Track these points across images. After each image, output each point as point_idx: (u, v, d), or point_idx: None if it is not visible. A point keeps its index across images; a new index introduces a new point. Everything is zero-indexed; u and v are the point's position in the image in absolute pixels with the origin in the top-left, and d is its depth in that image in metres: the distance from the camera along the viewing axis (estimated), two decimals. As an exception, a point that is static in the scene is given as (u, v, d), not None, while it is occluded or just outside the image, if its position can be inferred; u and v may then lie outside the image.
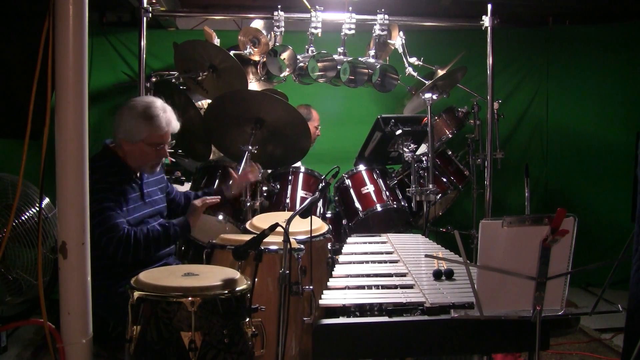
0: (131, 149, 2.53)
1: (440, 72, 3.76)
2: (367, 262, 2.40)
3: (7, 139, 3.65)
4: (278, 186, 3.42)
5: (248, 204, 3.13)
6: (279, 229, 2.06)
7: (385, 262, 2.40)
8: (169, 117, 2.57)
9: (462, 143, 4.14)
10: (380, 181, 3.59)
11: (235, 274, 2.06)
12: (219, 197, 2.89)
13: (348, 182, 3.59)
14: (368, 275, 2.20)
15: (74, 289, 1.99)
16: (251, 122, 3.17)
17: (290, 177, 3.46)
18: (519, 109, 5.08)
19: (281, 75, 3.65)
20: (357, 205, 3.51)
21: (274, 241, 2.35)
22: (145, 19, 3.59)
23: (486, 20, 3.74)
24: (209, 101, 3.60)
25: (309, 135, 3.31)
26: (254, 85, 3.79)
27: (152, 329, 1.87)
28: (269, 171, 3.59)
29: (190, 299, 1.85)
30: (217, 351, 1.87)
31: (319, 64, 3.65)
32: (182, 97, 3.41)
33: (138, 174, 2.62)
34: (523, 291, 1.71)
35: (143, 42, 3.60)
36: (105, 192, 2.35)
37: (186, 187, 3.73)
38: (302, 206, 2.20)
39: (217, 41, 3.68)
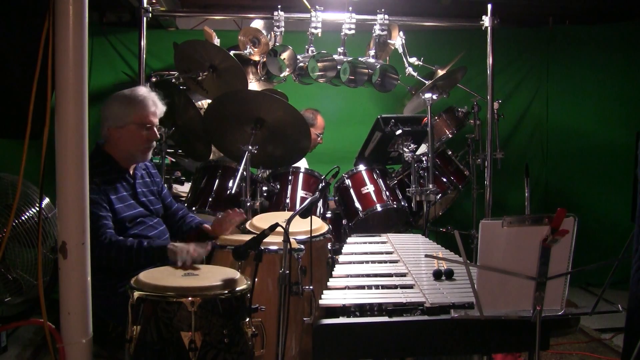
0: (121, 134, 2.52)
1: (440, 72, 3.76)
2: (367, 262, 2.40)
3: (7, 139, 3.65)
4: (278, 186, 3.42)
5: (248, 204, 3.13)
6: (279, 229, 2.06)
7: (385, 262, 2.39)
8: (154, 97, 2.60)
9: (462, 143, 4.14)
10: (380, 181, 3.58)
11: (235, 274, 2.06)
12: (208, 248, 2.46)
13: (348, 182, 3.59)
14: (368, 275, 2.20)
15: (74, 289, 1.99)
16: (251, 122, 3.17)
17: (290, 177, 3.46)
18: (519, 109, 5.09)
19: (281, 75, 3.65)
20: (357, 205, 3.51)
21: (274, 241, 2.35)
22: (145, 19, 3.59)
23: (486, 20, 3.74)
24: (209, 101, 3.60)
25: (309, 135, 3.31)
26: (254, 85, 3.79)
27: (152, 329, 1.87)
28: (269, 171, 3.59)
29: (190, 299, 1.85)
30: (217, 351, 1.87)
31: (319, 64, 3.65)
32: (182, 97, 3.41)
33: (131, 172, 2.62)
34: (523, 291, 1.71)
35: (143, 42, 3.61)
36: (92, 193, 2.34)
37: (186, 187, 3.74)
38: (302, 206, 2.20)
39: (217, 41, 3.68)
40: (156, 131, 2.60)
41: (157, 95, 2.64)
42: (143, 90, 2.60)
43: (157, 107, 2.61)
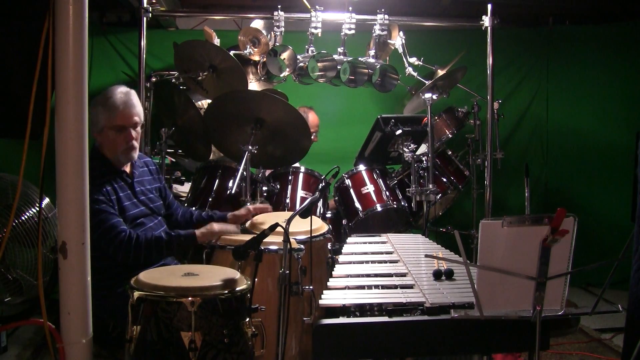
0: (102, 140, 2.52)
1: (440, 72, 3.76)
2: (367, 262, 2.40)
3: (7, 139, 3.65)
4: (278, 186, 3.42)
5: (248, 204, 3.13)
6: (279, 229, 2.06)
7: (385, 262, 2.39)
8: (124, 99, 2.51)
9: (462, 143, 4.14)
10: (380, 181, 3.59)
11: (235, 274, 2.06)
12: (238, 231, 2.68)
13: (348, 182, 3.59)
14: (368, 275, 2.20)
15: (74, 289, 1.99)
16: (251, 122, 3.17)
17: (290, 177, 3.46)
18: (519, 109, 5.09)
19: (281, 75, 3.65)
20: (357, 205, 3.51)
21: (274, 241, 2.35)
22: (145, 19, 3.59)
23: (486, 20, 3.74)
24: (209, 101, 3.60)
25: (309, 135, 3.31)
26: (254, 85, 3.79)
27: (152, 329, 1.87)
28: (268, 171, 3.59)
29: (190, 299, 1.85)
30: (217, 351, 1.87)
31: (319, 64, 3.65)
32: (182, 97, 3.41)
33: (128, 172, 2.61)
34: (523, 291, 1.71)
35: (143, 42, 3.60)
36: (96, 194, 2.35)
37: (186, 187, 3.74)
38: (302, 206, 2.20)
39: (217, 41, 3.68)
40: (132, 132, 2.52)
41: (135, 96, 2.56)
42: (115, 92, 2.52)
43: (130, 106, 2.51)
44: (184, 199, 3.53)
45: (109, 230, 2.35)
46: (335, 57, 3.66)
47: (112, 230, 2.35)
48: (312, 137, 4.26)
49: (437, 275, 2.11)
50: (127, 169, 2.62)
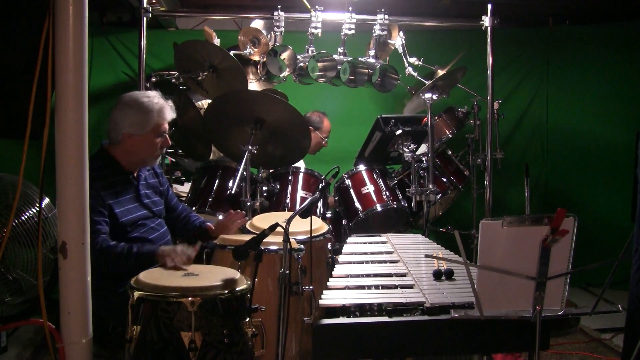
0: (136, 141, 2.52)
1: (440, 72, 3.76)
2: (367, 262, 2.40)
3: (7, 139, 3.65)
4: (278, 186, 3.42)
5: (248, 204, 3.13)
6: (279, 229, 2.06)
7: (385, 262, 2.40)
8: (170, 105, 2.64)
9: (462, 143, 4.14)
10: (380, 181, 3.59)
11: (235, 274, 2.06)
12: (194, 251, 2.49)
13: (348, 182, 3.59)
14: (368, 275, 2.20)
15: (74, 289, 1.99)
16: (251, 122, 3.17)
17: (290, 177, 3.46)
18: (519, 109, 5.09)
19: (281, 75, 3.65)
20: (357, 205, 3.51)
21: (274, 241, 2.35)
22: (145, 19, 3.59)
23: (486, 20, 3.74)
24: (209, 101, 3.61)
25: (309, 135, 3.31)
26: (254, 85, 3.79)
27: (152, 329, 1.87)
28: (270, 171, 3.59)
29: (190, 299, 1.85)
30: (217, 351, 1.87)
31: (319, 64, 3.65)
32: (182, 97, 3.41)
33: (135, 174, 2.61)
34: (523, 291, 1.71)
35: (143, 42, 3.60)
36: (92, 198, 2.33)
37: (186, 187, 3.74)
38: (302, 206, 2.20)
39: (217, 41, 3.69)
40: (168, 138, 2.64)
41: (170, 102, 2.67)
42: (159, 98, 2.61)
43: (173, 114, 2.65)
44: (183, 199, 3.53)
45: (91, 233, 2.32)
46: (335, 57, 3.67)
47: (92, 234, 2.32)
48: (324, 143, 4.29)
49: (437, 275, 2.12)
50: (135, 172, 2.62)
